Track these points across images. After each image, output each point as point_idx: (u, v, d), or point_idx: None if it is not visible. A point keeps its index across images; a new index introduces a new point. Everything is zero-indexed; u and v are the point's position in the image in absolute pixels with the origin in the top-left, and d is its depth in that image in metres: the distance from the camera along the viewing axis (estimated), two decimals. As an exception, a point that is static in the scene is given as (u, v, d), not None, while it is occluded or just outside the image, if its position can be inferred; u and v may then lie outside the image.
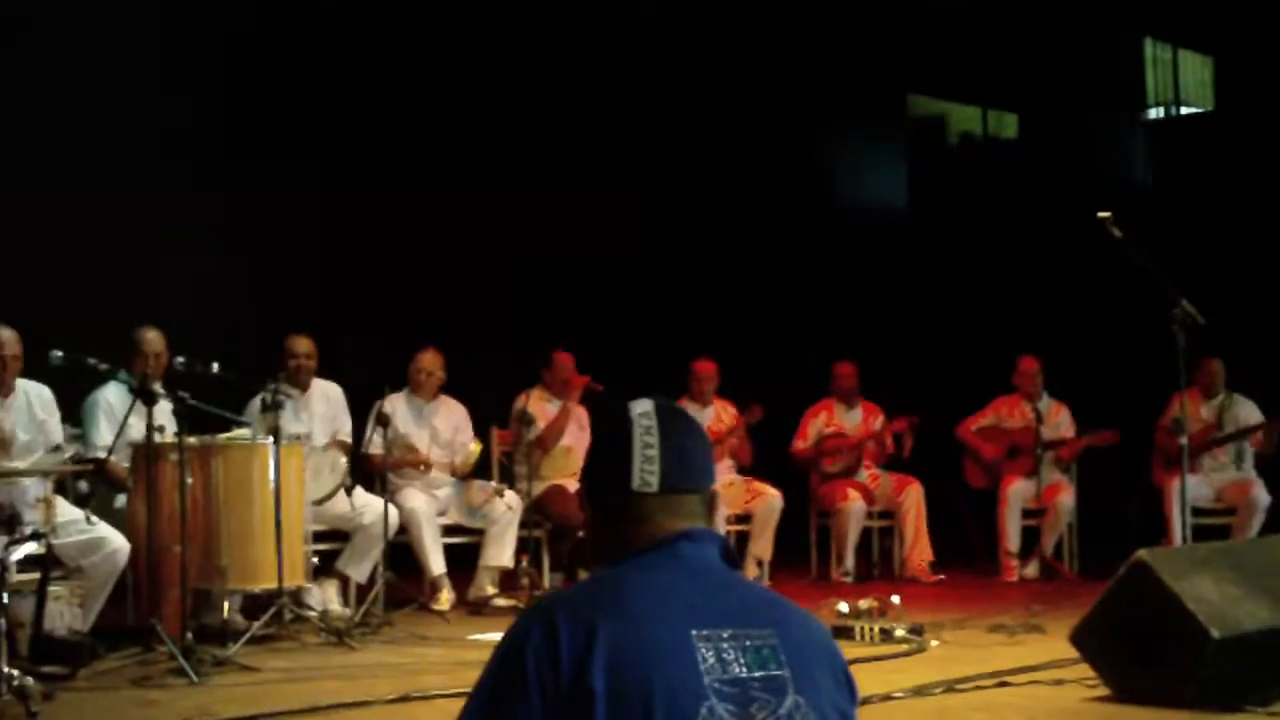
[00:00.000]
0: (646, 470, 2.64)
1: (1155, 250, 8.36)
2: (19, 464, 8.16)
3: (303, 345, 10.32)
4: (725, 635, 2.50)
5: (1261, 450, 12.04)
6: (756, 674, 2.49)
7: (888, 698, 6.78)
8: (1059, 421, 12.55)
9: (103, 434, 8.87)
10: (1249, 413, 12.13)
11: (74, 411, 9.04)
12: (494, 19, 13.72)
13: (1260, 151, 15.81)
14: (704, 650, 2.47)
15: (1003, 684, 7.15)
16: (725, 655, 2.48)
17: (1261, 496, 11.82)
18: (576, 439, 11.44)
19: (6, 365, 8.41)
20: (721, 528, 11.62)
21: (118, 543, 8.28)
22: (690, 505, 2.68)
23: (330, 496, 9.80)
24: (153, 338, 9.24)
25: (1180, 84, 20.91)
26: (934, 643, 8.55)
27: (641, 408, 2.71)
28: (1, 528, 7.03)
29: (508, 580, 10.81)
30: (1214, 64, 19.26)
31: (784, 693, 2.50)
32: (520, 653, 2.46)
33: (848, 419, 12.74)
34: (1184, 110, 20.94)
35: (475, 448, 10.93)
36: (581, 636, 2.43)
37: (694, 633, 2.48)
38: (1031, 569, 12.25)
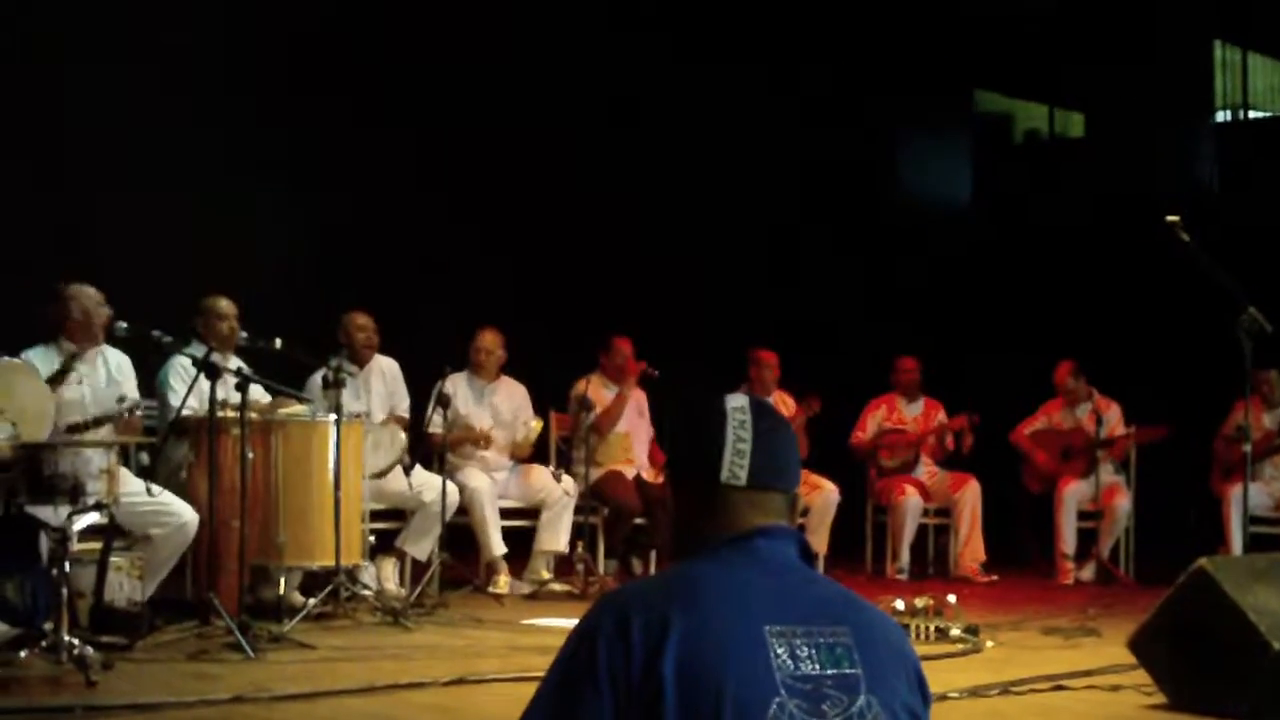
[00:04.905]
0: (736, 463, 2.64)
1: (1219, 255, 8.30)
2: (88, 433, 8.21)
3: (362, 320, 10.34)
4: (799, 632, 2.50)
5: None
6: (829, 672, 2.49)
7: (943, 698, 6.75)
8: (1109, 418, 12.44)
9: (178, 398, 8.81)
10: (1312, 423, 12.04)
11: (145, 382, 9.07)
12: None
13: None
14: (777, 646, 2.47)
15: (1059, 688, 7.13)
16: (798, 652, 2.48)
17: (1323, 507, 11.73)
18: (634, 425, 11.45)
19: (91, 320, 8.48)
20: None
21: (188, 515, 8.33)
22: (774, 503, 2.67)
23: (389, 470, 9.83)
24: (225, 306, 9.27)
25: (1249, 87, 20.79)
26: (989, 644, 8.51)
27: (737, 402, 2.72)
28: (65, 497, 7.08)
29: (563, 565, 10.83)
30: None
31: (856, 691, 2.50)
32: (593, 641, 2.46)
33: (908, 413, 12.71)
34: (1252, 114, 20.81)
35: (536, 425, 10.95)
36: (654, 628, 2.43)
37: (767, 628, 2.48)
38: (1087, 572, 12.18)
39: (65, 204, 10.64)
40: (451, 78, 12.97)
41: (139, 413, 8.73)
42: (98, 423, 8.19)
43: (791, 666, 2.46)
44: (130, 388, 8.72)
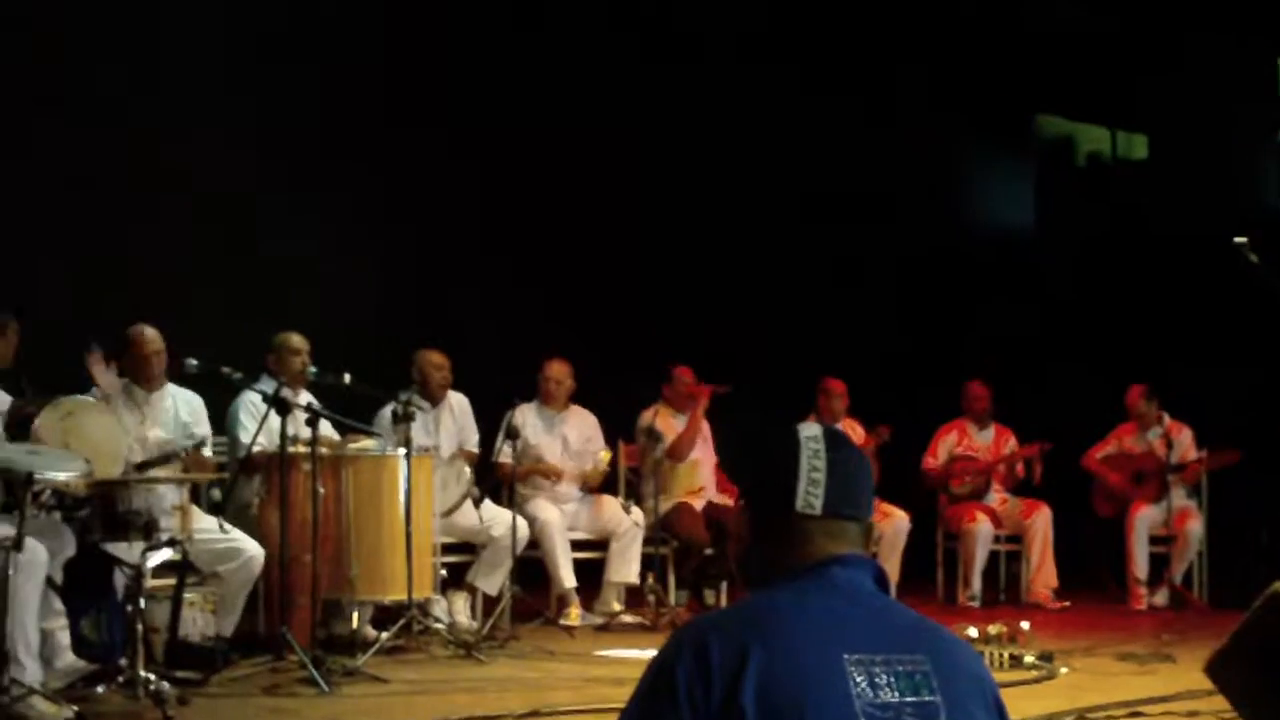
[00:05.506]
0: (811, 493, 2.65)
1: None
2: (157, 470, 8.25)
3: (439, 360, 10.38)
4: (878, 660, 2.52)
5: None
6: (909, 699, 2.50)
7: (1018, 725, 6.72)
8: (1180, 442, 12.36)
9: (249, 434, 8.88)
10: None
11: (217, 420, 9.14)
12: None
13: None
14: (856, 675, 2.48)
15: (1135, 714, 7.09)
16: (877, 680, 2.49)
17: (1399, 526, 11.63)
18: (702, 452, 11.44)
19: (149, 361, 8.55)
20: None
21: (254, 551, 8.37)
22: (850, 532, 2.68)
23: (456, 508, 9.87)
24: (298, 342, 9.34)
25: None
26: (1063, 670, 8.46)
27: (810, 431, 2.73)
28: (139, 534, 7.15)
29: (634, 597, 10.83)
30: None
31: (936, 718, 2.50)
32: (672, 672, 2.48)
33: (979, 440, 12.66)
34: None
35: (605, 456, 10.96)
36: (733, 658, 2.45)
37: (846, 657, 2.50)
38: (1160, 597, 12.09)
39: (119, 225, 10.69)
40: (509, 108, 12.98)
41: (207, 450, 8.81)
42: (164, 460, 8.25)
43: (871, 695, 2.48)
44: (202, 429, 8.79)
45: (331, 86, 11.73)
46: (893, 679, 2.50)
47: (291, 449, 8.35)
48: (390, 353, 10.49)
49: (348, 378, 8.87)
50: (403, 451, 8.83)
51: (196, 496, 8.67)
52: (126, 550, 7.26)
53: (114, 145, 10.50)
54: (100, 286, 10.26)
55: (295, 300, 10.92)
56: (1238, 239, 8.24)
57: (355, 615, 8.92)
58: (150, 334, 8.63)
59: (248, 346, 8.64)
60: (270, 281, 10.99)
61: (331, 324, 10.25)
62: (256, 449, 8.73)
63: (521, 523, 9.99)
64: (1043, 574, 12.22)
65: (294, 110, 11.52)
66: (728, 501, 11.01)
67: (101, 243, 10.41)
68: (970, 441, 12.64)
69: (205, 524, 8.18)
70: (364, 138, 11.90)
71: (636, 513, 10.78)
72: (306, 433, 8.40)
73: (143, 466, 8.09)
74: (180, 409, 8.72)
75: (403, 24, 12.30)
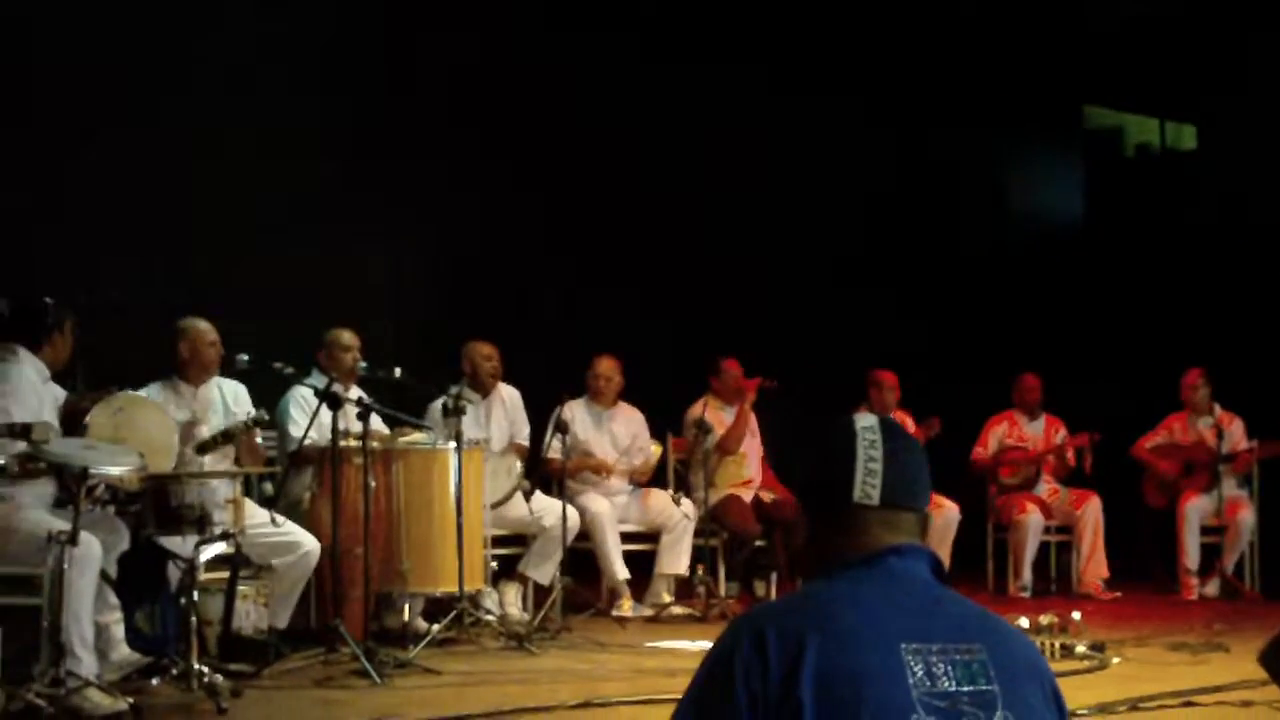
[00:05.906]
0: (869, 483, 2.65)
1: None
2: (214, 453, 8.28)
3: (488, 350, 10.41)
4: (934, 649, 2.51)
5: None
6: (966, 689, 2.49)
7: (1071, 715, 6.67)
8: (1231, 432, 12.31)
9: (300, 428, 8.93)
10: None
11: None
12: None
13: None
14: (913, 664, 2.48)
15: (1188, 704, 7.04)
16: (934, 669, 2.49)
17: None
18: (750, 445, 11.44)
19: (202, 353, 8.59)
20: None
21: (310, 545, 8.40)
22: (907, 522, 2.68)
23: (506, 499, 9.88)
24: (349, 338, 9.39)
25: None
26: (1115, 660, 8.43)
27: (866, 421, 2.73)
28: (192, 527, 7.19)
29: (684, 588, 10.84)
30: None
31: (993, 708, 2.51)
32: (729, 663, 2.48)
33: (1029, 430, 12.62)
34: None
35: (655, 450, 10.98)
36: (790, 648, 2.45)
37: (903, 646, 2.49)
38: (1211, 587, 12.06)
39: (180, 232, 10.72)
40: (553, 106, 12.96)
41: (259, 440, 8.84)
42: (226, 437, 8.27)
43: (928, 684, 2.47)
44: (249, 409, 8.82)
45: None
46: (950, 668, 2.50)
47: (342, 443, 8.39)
48: (436, 346, 10.52)
49: (398, 372, 8.92)
50: (453, 444, 8.84)
51: (248, 490, 8.71)
52: (180, 544, 7.31)
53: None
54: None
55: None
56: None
57: (407, 607, 8.99)
58: (204, 328, 8.66)
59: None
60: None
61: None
62: (307, 443, 8.77)
63: (572, 512, 10.00)
64: (1093, 564, 12.20)
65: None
66: (776, 493, 11.04)
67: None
68: (1020, 432, 12.61)
69: (257, 518, 8.22)
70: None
71: (686, 504, 10.79)
72: (357, 427, 8.45)
73: (204, 448, 8.13)
74: (228, 400, 8.75)
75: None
